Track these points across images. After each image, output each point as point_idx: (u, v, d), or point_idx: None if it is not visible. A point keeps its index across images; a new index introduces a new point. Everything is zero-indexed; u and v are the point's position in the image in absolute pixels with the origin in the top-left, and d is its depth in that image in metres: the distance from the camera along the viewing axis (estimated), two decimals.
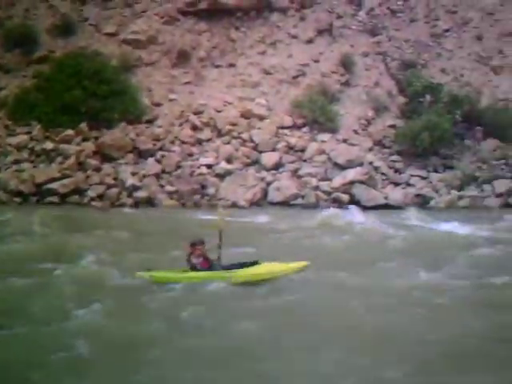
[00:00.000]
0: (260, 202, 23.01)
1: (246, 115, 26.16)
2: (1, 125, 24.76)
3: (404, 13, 31.84)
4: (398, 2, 32.29)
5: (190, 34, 29.46)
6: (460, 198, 23.61)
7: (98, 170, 23.15)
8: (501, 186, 23.88)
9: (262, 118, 26.22)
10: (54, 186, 22.09)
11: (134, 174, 23.08)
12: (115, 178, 22.90)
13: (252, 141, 25.04)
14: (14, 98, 25.14)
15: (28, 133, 24.16)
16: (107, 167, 23.33)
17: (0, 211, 19.41)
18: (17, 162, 23.18)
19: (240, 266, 11.96)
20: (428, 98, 26.92)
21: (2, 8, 28.68)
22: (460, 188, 24.01)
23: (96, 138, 24.17)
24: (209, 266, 11.93)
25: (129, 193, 22.50)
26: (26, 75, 26.33)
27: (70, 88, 24.36)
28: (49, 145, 23.56)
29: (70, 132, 23.89)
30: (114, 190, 22.47)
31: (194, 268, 11.89)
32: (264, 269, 11.95)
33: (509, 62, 30.09)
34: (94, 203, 21.97)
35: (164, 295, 11.25)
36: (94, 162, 23.27)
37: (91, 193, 22.22)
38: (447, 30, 31.24)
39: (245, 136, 25.17)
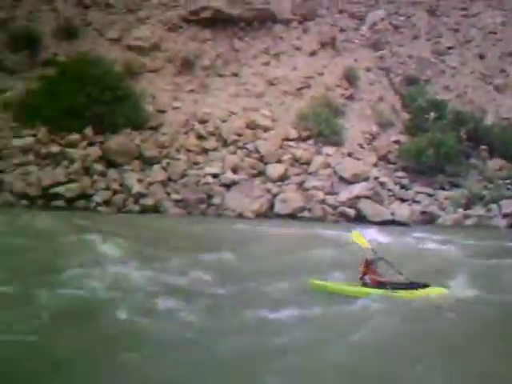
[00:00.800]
0: (267, 214, 22.78)
1: (251, 126, 25.94)
2: (6, 126, 24.20)
3: (406, 28, 31.99)
4: (400, 18, 32.52)
5: (194, 42, 29.34)
6: (466, 216, 23.51)
7: (103, 175, 22.81)
8: (508, 206, 23.77)
9: (266, 129, 26.02)
10: (59, 189, 21.74)
11: (139, 180, 22.77)
12: (121, 184, 22.58)
13: (257, 151, 24.82)
14: (19, 100, 24.60)
15: (33, 135, 23.64)
16: (112, 173, 23.00)
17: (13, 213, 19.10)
18: (21, 164, 22.68)
19: (409, 285, 11.30)
20: (432, 114, 26.85)
21: (5, 9, 28.28)
22: (466, 207, 23.90)
23: (101, 143, 23.80)
24: (379, 284, 11.48)
25: (135, 199, 22.20)
26: (31, 77, 25.66)
27: (73, 93, 23.84)
28: (54, 148, 23.13)
29: (75, 136, 23.50)
30: (121, 196, 22.18)
31: (365, 285, 11.58)
32: (432, 294, 11.03)
33: (511, 82, 30.31)
34: (100, 208, 21.61)
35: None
36: (99, 167, 22.94)
37: (97, 198, 21.86)
38: (450, 48, 31.48)
39: (250, 146, 24.96)
